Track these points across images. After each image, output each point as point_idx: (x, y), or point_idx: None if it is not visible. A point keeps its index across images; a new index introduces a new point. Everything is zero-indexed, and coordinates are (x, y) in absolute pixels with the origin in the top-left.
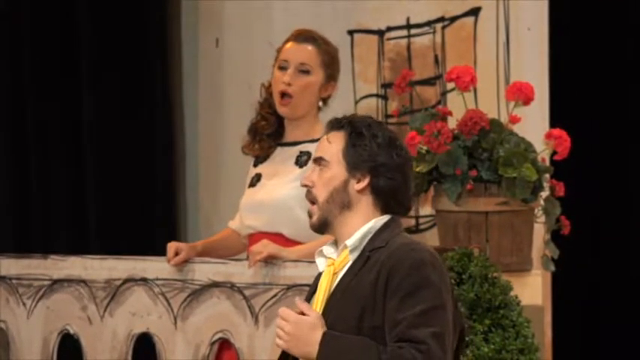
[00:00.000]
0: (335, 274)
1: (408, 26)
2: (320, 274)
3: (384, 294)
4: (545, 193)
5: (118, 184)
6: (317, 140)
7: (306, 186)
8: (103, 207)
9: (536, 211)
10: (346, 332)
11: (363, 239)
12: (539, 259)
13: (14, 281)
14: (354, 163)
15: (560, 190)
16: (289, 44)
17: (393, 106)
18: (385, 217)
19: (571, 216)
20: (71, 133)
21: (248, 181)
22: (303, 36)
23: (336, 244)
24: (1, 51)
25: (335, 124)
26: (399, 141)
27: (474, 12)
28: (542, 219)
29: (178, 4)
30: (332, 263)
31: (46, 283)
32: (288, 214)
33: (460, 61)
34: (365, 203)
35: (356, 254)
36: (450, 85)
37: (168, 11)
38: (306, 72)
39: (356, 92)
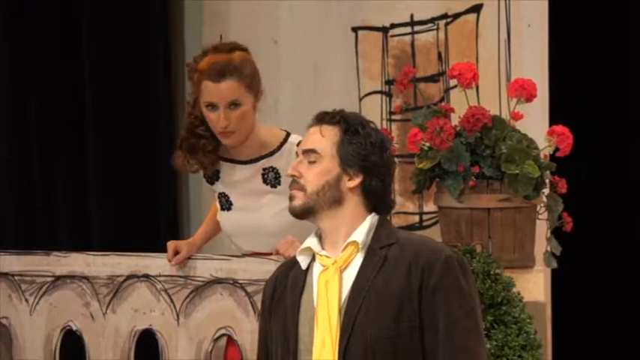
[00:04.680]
0: (342, 271)
1: (412, 23)
2: (302, 271)
3: (420, 293)
4: (547, 190)
5: (120, 181)
6: (274, 152)
7: (292, 176)
8: (106, 203)
9: (538, 207)
10: (383, 331)
11: (367, 236)
12: (541, 255)
13: (17, 278)
14: (348, 160)
15: (563, 186)
16: (209, 84)
17: (398, 102)
18: (376, 215)
19: (573, 213)
20: (74, 131)
21: (217, 199)
22: (218, 72)
23: (320, 238)
24: (2, 48)
25: (327, 119)
26: (389, 142)
27: (476, 9)
28: (545, 215)
29: (181, 4)
30: (335, 261)
31: (48, 279)
32: (283, 233)
33: (462, 57)
34: (354, 201)
35: (364, 251)
36: (453, 82)
37: (172, 9)
38: (237, 105)
39: (360, 89)
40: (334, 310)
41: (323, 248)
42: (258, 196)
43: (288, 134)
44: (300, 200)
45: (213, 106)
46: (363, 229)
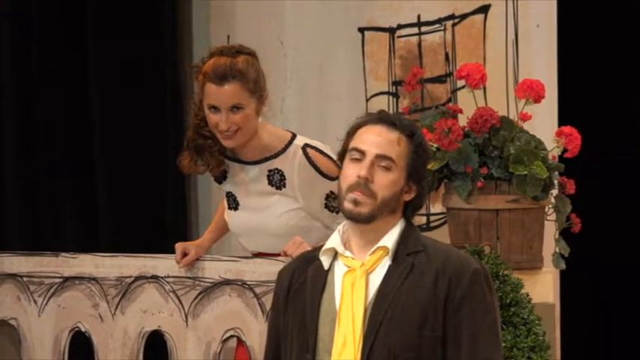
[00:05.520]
0: (368, 274)
1: (419, 24)
2: (322, 270)
3: (445, 304)
4: (555, 191)
5: (128, 182)
6: (279, 154)
7: (365, 179)
8: (114, 205)
9: (546, 208)
10: (406, 340)
11: (397, 242)
12: (549, 256)
13: (25, 279)
14: (412, 174)
15: (571, 187)
16: (212, 87)
17: (404, 103)
18: (405, 221)
19: (581, 214)
20: (81, 131)
21: (225, 199)
22: (221, 75)
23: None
24: (8, 45)
25: (400, 126)
26: None
27: (484, 9)
28: (553, 216)
29: (189, 3)
30: (363, 263)
31: (57, 280)
32: (291, 234)
33: (470, 58)
34: (400, 211)
35: (391, 257)
36: (460, 83)
37: (179, 8)
38: (239, 108)
39: (367, 90)
40: (359, 312)
41: (346, 249)
42: (264, 197)
43: (293, 136)
44: (367, 207)
45: (215, 109)
46: (394, 234)
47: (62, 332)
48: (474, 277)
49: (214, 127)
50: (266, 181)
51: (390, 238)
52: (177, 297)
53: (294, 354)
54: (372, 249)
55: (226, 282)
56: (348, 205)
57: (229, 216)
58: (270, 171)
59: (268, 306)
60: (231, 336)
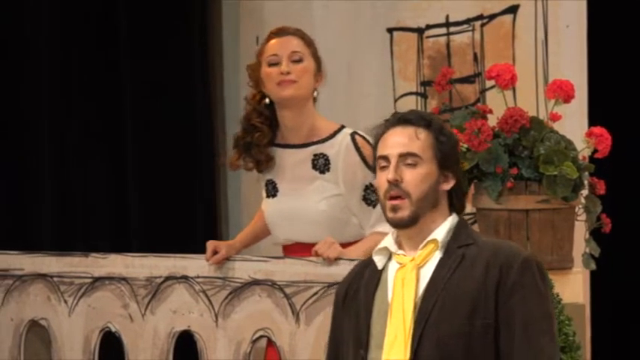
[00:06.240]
0: (419, 268)
1: (447, 24)
2: (377, 270)
3: (496, 291)
4: (585, 191)
5: (159, 182)
6: (327, 139)
7: (394, 181)
8: (144, 205)
9: (576, 209)
10: (455, 329)
11: (447, 235)
12: (579, 257)
13: (56, 279)
14: (442, 162)
15: (601, 188)
16: (273, 41)
17: (433, 104)
18: (456, 217)
19: (612, 214)
20: (112, 132)
21: (263, 187)
22: (284, 31)
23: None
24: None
25: (414, 120)
26: None
27: (513, 10)
28: (583, 217)
29: (219, 3)
30: (413, 258)
31: (87, 280)
32: (329, 222)
33: (498, 59)
34: (444, 202)
35: (442, 250)
36: (489, 83)
37: (209, 10)
38: (299, 60)
39: (395, 90)
40: (409, 306)
41: (399, 247)
42: (306, 182)
43: (343, 126)
44: (407, 211)
45: (275, 62)
46: (444, 228)
47: (92, 332)
48: (525, 264)
49: (273, 78)
50: (310, 165)
51: (440, 232)
52: (207, 297)
53: (350, 354)
54: (423, 243)
55: (256, 282)
56: (389, 214)
57: (267, 204)
58: (315, 155)
59: (298, 306)
60: (261, 336)
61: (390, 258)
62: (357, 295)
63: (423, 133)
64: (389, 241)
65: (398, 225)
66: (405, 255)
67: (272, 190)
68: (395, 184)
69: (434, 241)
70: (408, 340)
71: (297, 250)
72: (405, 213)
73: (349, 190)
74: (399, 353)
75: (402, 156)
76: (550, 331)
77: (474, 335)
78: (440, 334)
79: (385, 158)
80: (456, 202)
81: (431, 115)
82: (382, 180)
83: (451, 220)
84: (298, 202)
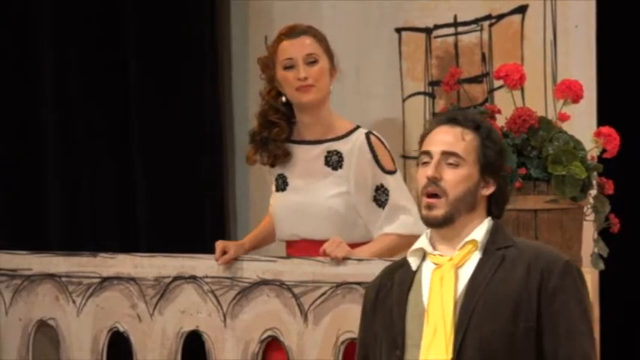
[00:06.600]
0: (458, 268)
1: (456, 24)
2: (410, 271)
3: (538, 294)
4: (594, 191)
5: (167, 182)
6: (342, 137)
7: (433, 178)
8: (153, 205)
9: (585, 209)
10: (498, 330)
11: (485, 237)
12: (588, 257)
13: (64, 279)
14: (485, 167)
15: (610, 188)
16: (285, 43)
17: (441, 104)
18: (492, 219)
19: (620, 214)
20: (120, 133)
21: (272, 181)
22: (295, 31)
23: (430, 239)
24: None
25: (462, 121)
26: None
27: (521, 10)
28: (592, 217)
29: (228, 3)
30: (451, 258)
31: (95, 280)
32: (337, 219)
33: (507, 59)
34: (482, 207)
35: (481, 251)
36: (498, 83)
37: (217, 10)
38: (314, 62)
39: (403, 90)
40: (449, 305)
41: (435, 248)
42: (317, 178)
43: (358, 126)
44: (441, 210)
45: (290, 65)
46: (482, 229)
47: (101, 332)
48: (566, 268)
49: (291, 84)
50: (323, 161)
51: (478, 233)
52: (216, 297)
53: (383, 355)
54: (461, 243)
55: (264, 282)
56: (423, 211)
57: (275, 198)
58: (329, 152)
59: (307, 306)
60: (269, 336)
61: (423, 259)
62: (390, 296)
63: (469, 135)
64: (424, 242)
65: (432, 223)
66: (441, 255)
67: (282, 185)
68: (434, 181)
69: (473, 241)
70: (449, 341)
71: (303, 247)
72: (439, 212)
73: (359, 188)
74: (439, 353)
75: (445, 154)
76: (591, 334)
77: (517, 337)
78: (482, 335)
79: (428, 154)
80: (494, 209)
81: (481, 118)
82: (422, 175)
83: (488, 222)
84: (307, 197)
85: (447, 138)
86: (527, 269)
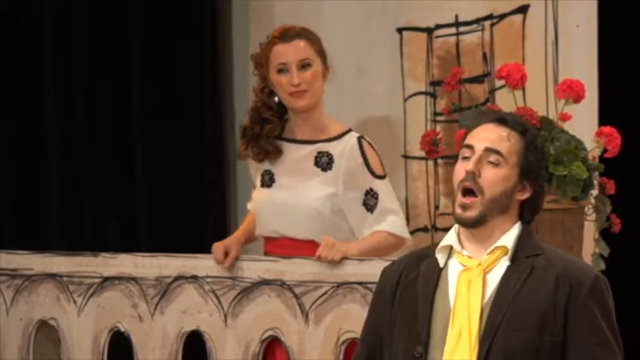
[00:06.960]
0: (486, 273)
1: (457, 24)
2: (436, 266)
3: (566, 309)
4: (595, 191)
5: (168, 182)
6: (333, 139)
7: (472, 173)
8: (154, 205)
9: (586, 209)
10: (524, 343)
11: (515, 243)
12: (589, 257)
13: (65, 279)
14: (526, 171)
15: (611, 188)
16: (279, 47)
17: (442, 104)
18: (523, 224)
19: (621, 214)
20: (121, 131)
21: (258, 177)
22: (288, 34)
23: (459, 236)
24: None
25: (511, 123)
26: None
27: (523, 10)
28: (593, 217)
29: (229, 3)
30: (480, 262)
31: (96, 280)
32: (322, 221)
33: (508, 58)
34: (515, 211)
35: (510, 258)
36: (499, 83)
37: (219, 10)
38: (308, 65)
39: (405, 90)
40: (475, 312)
41: (462, 246)
42: (305, 177)
43: (350, 129)
44: (476, 211)
45: (284, 69)
46: (512, 235)
47: (101, 332)
48: (595, 283)
49: (284, 89)
50: (312, 162)
51: (508, 239)
52: (217, 297)
53: (400, 347)
54: (490, 248)
55: (265, 282)
56: (457, 210)
57: (259, 192)
58: (320, 152)
59: (307, 306)
60: (270, 336)
61: (449, 255)
62: (414, 287)
63: (514, 137)
64: (453, 239)
65: (464, 224)
66: (470, 257)
67: (268, 181)
68: (472, 176)
69: (502, 247)
70: (474, 347)
71: (282, 244)
72: (473, 213)
73: (348, 191)
74: (463, 357)
75: (487, 151)
76: (619, 350)
77: (542, 351)
78: (508, 346)
79: (470, 148)
80: (526, 215)
81: (527, 124)
82: (460, 169)
83: (518, 227)
84: (294, 195)
85: (492, 136)
86: (556, 282)
